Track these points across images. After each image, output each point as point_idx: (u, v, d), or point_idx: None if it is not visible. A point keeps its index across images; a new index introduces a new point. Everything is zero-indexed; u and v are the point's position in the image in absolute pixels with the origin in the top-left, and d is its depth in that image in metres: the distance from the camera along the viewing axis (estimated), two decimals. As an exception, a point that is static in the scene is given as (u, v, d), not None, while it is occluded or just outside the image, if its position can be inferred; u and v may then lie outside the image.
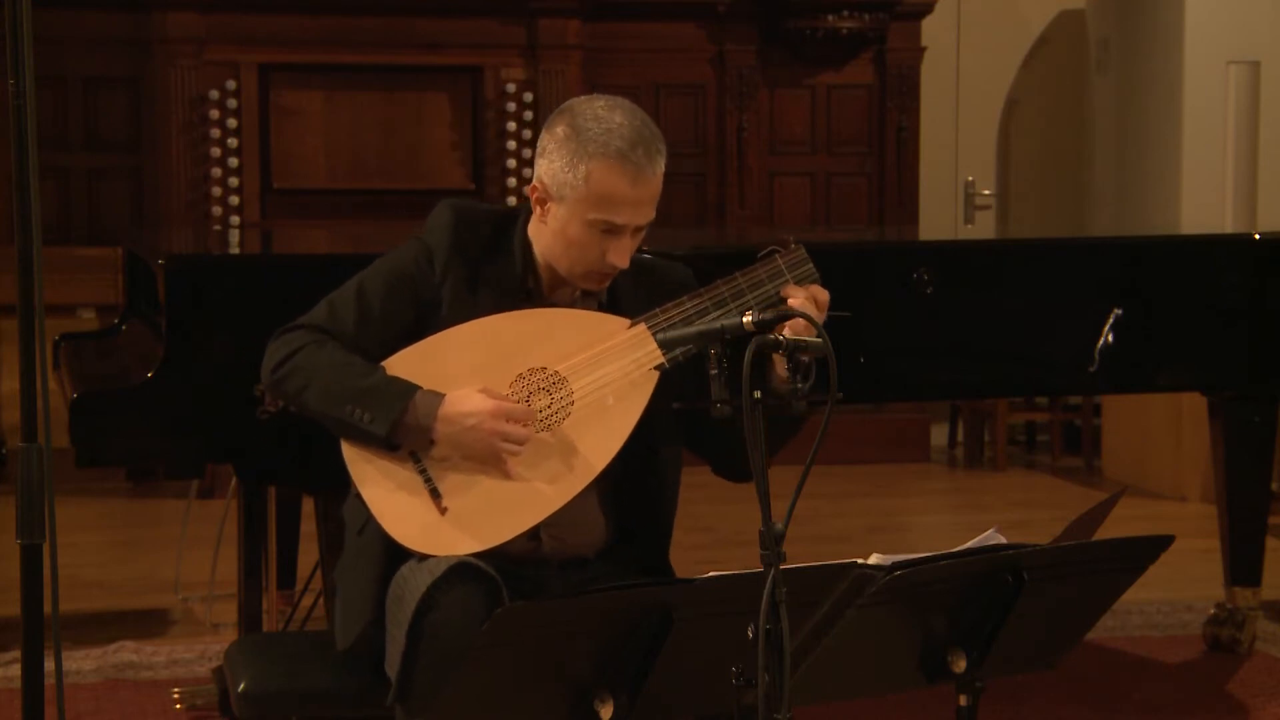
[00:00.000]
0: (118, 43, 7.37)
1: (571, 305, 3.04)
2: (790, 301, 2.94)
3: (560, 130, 2.94)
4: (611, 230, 2.91)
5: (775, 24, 7.81)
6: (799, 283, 3.00)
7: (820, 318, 2.92)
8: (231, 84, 7.27)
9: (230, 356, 3.62)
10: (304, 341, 2.97)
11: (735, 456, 3.06)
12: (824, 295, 2.98)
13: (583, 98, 3.00)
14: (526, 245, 3.03)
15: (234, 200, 7.28)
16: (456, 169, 7.44)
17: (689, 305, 2.97)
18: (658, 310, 2.97)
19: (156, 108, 7.32)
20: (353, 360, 2.93)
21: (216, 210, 7.26)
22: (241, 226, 7.24)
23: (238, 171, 7.29)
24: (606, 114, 2.92)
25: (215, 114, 7.26)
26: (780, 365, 2.84)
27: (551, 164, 2.94)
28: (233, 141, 7.27)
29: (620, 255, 2.93)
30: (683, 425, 3.06)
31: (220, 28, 7.27)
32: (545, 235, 2.99)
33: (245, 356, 3.26)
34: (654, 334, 2.92)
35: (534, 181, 2.99)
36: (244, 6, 7.29)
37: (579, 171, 2.90)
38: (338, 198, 7.40)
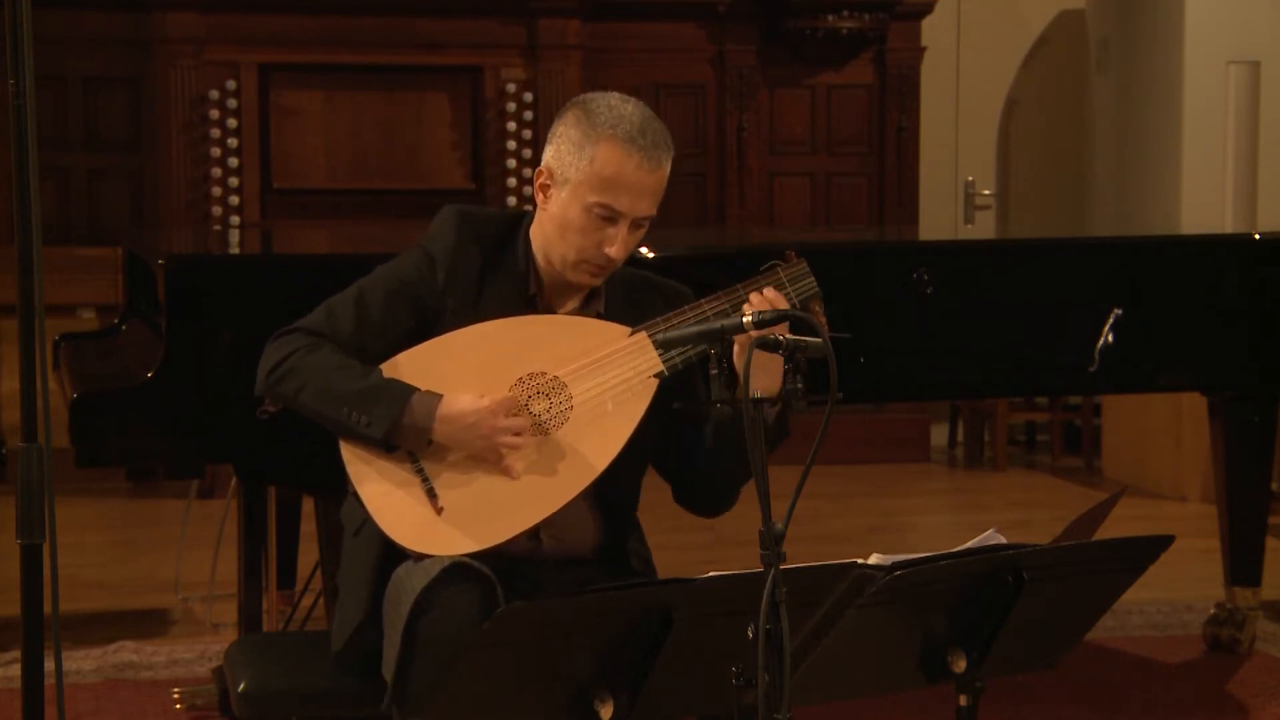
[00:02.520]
0: (118, 43, 7.37)
1: (571, 315, 3.04)
2: (753, 300, 2.94)
3: (571, 116, 2.96)
4: (610, 218, 2.91)
5: (775, 24, 7.81)
6: (799, 295, 3.01)
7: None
8: (231, 84, 7.26)
9: (230, 356, 3.62)
10: (300, 344, 2.96)
11: (696, 489, 3.08)
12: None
13: (597, 92, 3.01)
14: (529, 248, 3.03)
15: (234, 200, 7.28)
16: (456, 169, 7.44)
17: (690, 315, 2.96)
18: (658, 319, 2.96)
19: (156, 108, 7.32)
20: (349, 363, 2.93)
21: (216, 210, 7.26)
22: (241, 226, 7.24)
23: (238, 171, 7.29)
24: (619, 104, 2.95)
25: (215, 114, 7.26)
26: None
27: (559, 148, 2.95)
28: (233, 141, 7.26)
29: (617, 248, 2.93)
30: (659, 442, 3.05)
31: (220, 28, 7.27)
32: (545, 224, 2.99)
33: (245, 356, 3.25)
34: (652, 334, 2.92)
35: (540, 167, 2.99)
36: (244, 6, 7.29)
37: (585, 153, 2.91)
38: (338, 198, 7.40)
